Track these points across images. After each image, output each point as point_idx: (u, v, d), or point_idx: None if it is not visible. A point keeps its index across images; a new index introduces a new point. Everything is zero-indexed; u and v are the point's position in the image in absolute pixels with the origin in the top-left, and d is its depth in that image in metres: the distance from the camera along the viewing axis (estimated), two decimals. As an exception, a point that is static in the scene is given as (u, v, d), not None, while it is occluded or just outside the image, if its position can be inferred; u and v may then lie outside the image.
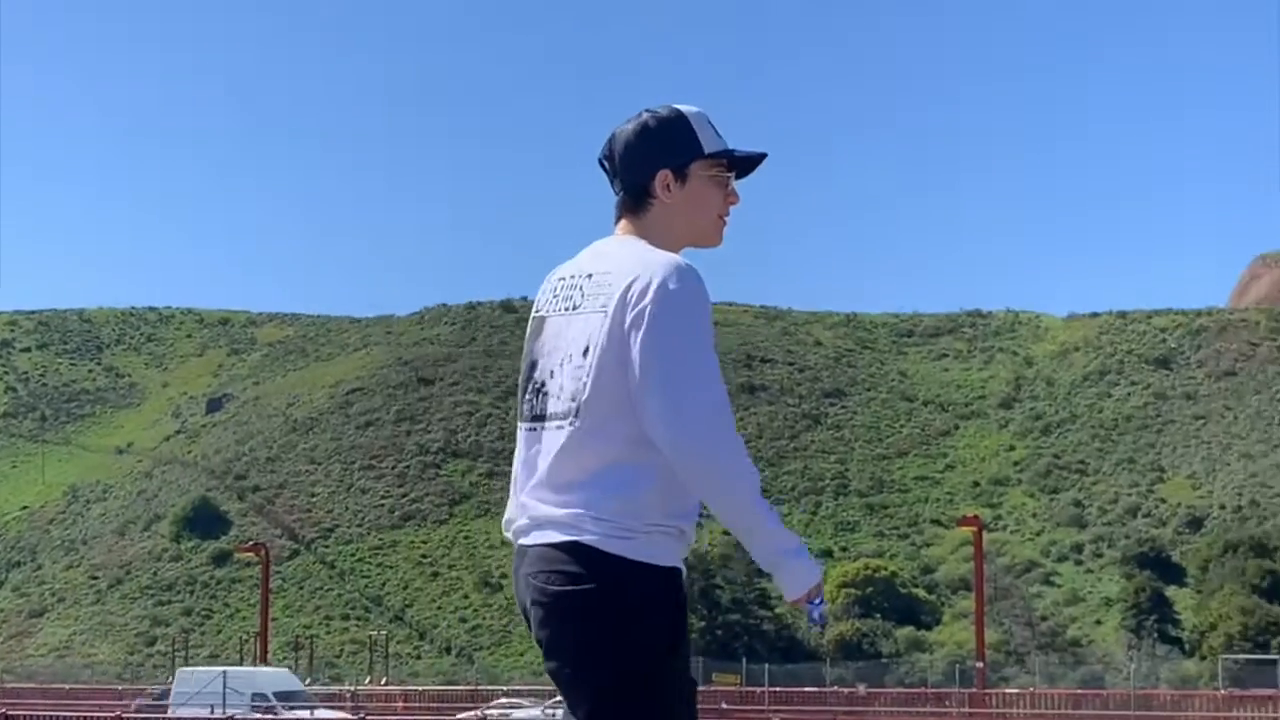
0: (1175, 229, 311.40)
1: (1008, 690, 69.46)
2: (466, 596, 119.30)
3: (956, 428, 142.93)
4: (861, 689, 67.62)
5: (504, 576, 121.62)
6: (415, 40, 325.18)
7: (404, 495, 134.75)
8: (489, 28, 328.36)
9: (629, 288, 3.68)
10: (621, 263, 3.76)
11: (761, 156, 4.00)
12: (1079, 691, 72.88)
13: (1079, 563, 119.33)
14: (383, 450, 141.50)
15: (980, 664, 57.35)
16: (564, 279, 3.93)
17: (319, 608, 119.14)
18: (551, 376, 3.83)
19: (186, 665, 65.35)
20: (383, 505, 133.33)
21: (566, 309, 3.85)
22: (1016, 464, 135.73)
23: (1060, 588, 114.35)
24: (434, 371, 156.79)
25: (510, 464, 4.09)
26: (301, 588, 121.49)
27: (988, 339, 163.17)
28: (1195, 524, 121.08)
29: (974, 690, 59.20)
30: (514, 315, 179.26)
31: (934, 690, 73.13)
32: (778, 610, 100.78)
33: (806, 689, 67.56)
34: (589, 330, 3.74)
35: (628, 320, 3.66)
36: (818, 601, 3.69)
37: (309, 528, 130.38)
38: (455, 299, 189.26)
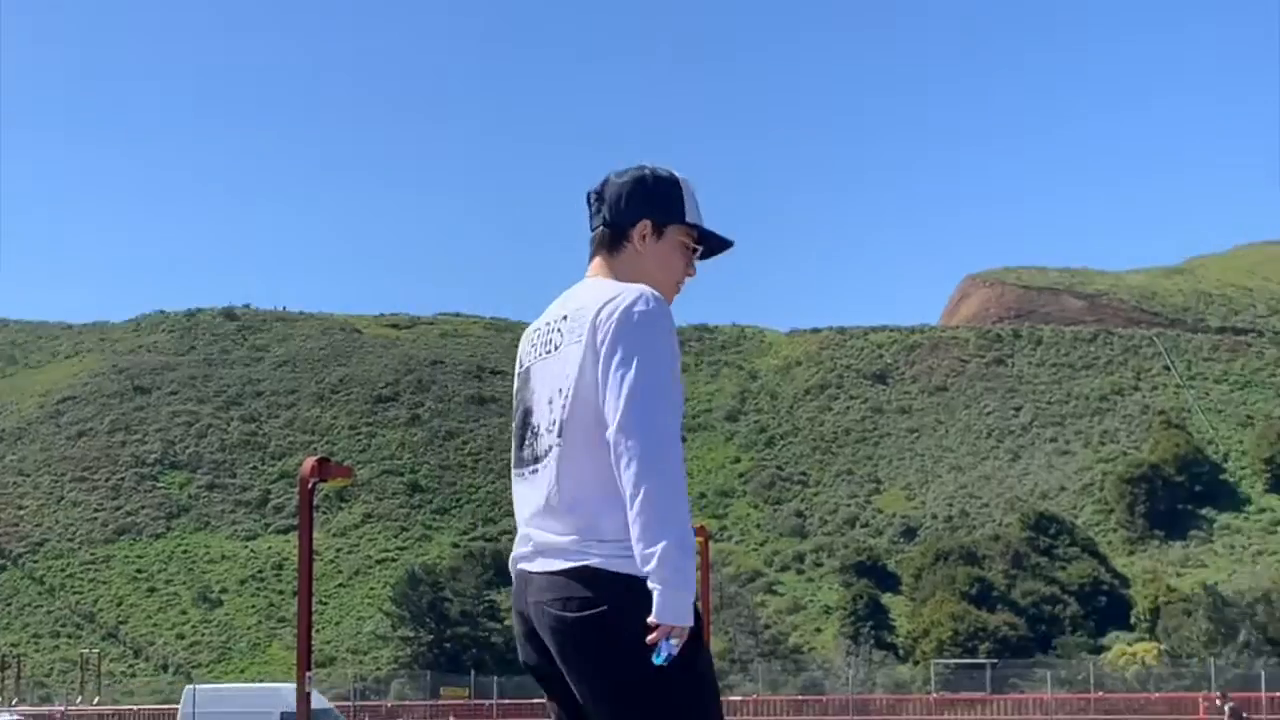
0: (891, 249, 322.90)
1: (732, 698, 70.52)
2: (184, 612, 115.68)
3: (684, 440, 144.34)
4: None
5: (224, 591, 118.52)
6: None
7: (118, 508, 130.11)
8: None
9: (598, 316, 3.90)
10: (592, 297, 3.98)
11: (728, 244, 4.26)
12: (800, 698, 74.62)
13: (800, 571, 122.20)
14: (96, 461, 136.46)
15: (707, 672, 58.21)
16: (539, 329, 4.16)
17: (27, 625, 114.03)
18: (543, 418, 4.02)
19: (190, 683, 55.62)
20: (95, 518, 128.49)
21: (546, 353, 4.06)
22: (741, 475, 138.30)
23: (783, 596, 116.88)
24: (151, 380, 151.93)
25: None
26: (9, 604, 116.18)
27: (714, 353, 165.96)
28: (909, 533, 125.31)
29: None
30: (235, 323, 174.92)
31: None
32: (506, 622, 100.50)
33: (535, 701, 67.42)
34: (573, 360, 3.94)
35: (599, 343, 3.87)
36: (671, 642, 3.69)
37: (16, 542, 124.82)
38: (174, 306, 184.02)
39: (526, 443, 4.07)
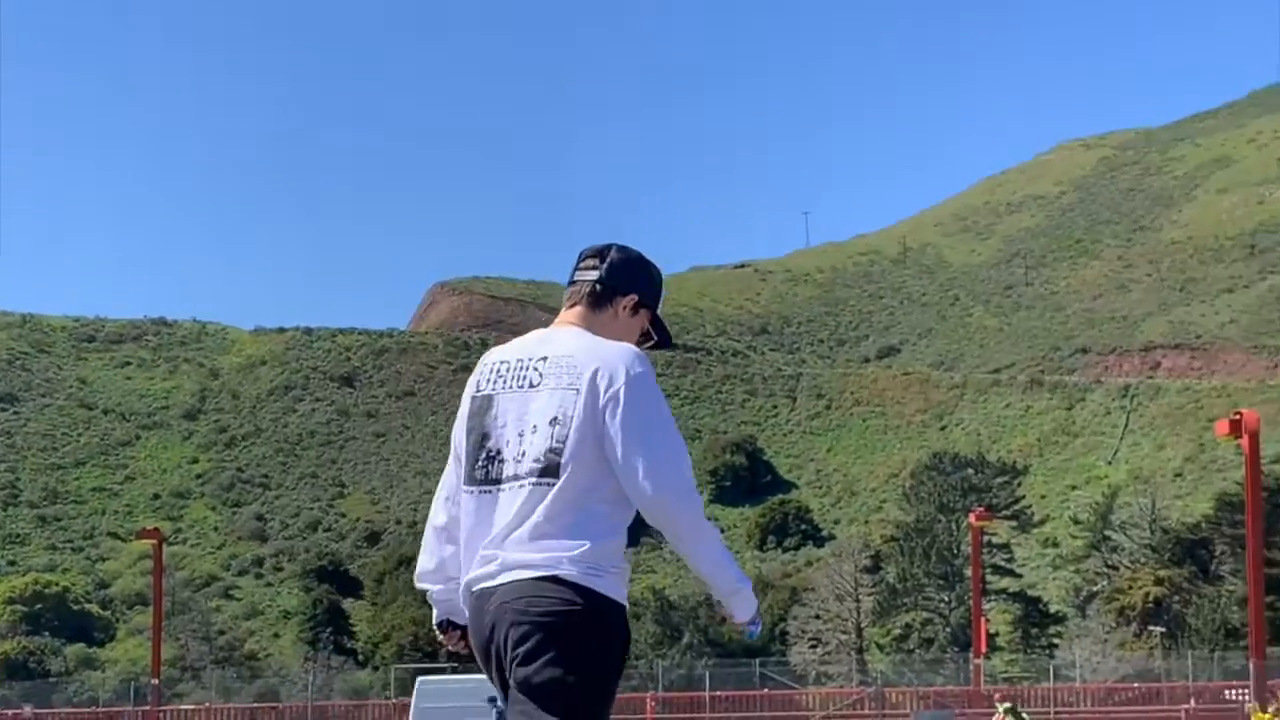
0: (364, 254, 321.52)
1: (183, 706, 68.30)
2: None
3: (138, 438, 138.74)
4: (27, 710, 64.07)
5: None
6: None
7: None
8: None
9: (597, 372, 4.46)
10: (581, 348, 4.56)
11: (669, 344, 4.95)
12: (255, 706, 72.67)
13: (260, 576, 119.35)
14: None
15: (155, 680, 56.84)
16: (507, 362, 4.67)
17: None
18: (508, 445, 4.54)
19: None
20: None
21: (520, 386, 4.58)
22: (199, 476, 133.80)
23: (240, 601, 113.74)
24: None
25: None
26: None
27: (173, 348, 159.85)
28: (373, 538, 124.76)
29: (148, 708, 58.58)
30: None
31: (105, 710, 70.73)
32: None
33: None
34: (556, 404, 4.48)
35: (602, 399, 4.43)
36: (755, 623, 4.70)
37: None
38: None
39: (480, 464, 4.58)
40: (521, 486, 4.44)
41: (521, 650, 4.32)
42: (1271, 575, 71.05)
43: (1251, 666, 28.05)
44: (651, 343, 4.89)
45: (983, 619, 62.77)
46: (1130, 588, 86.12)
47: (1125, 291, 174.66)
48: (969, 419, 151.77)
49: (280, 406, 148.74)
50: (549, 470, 4.42)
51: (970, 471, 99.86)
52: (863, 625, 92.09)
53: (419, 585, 4.85)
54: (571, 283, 4.83)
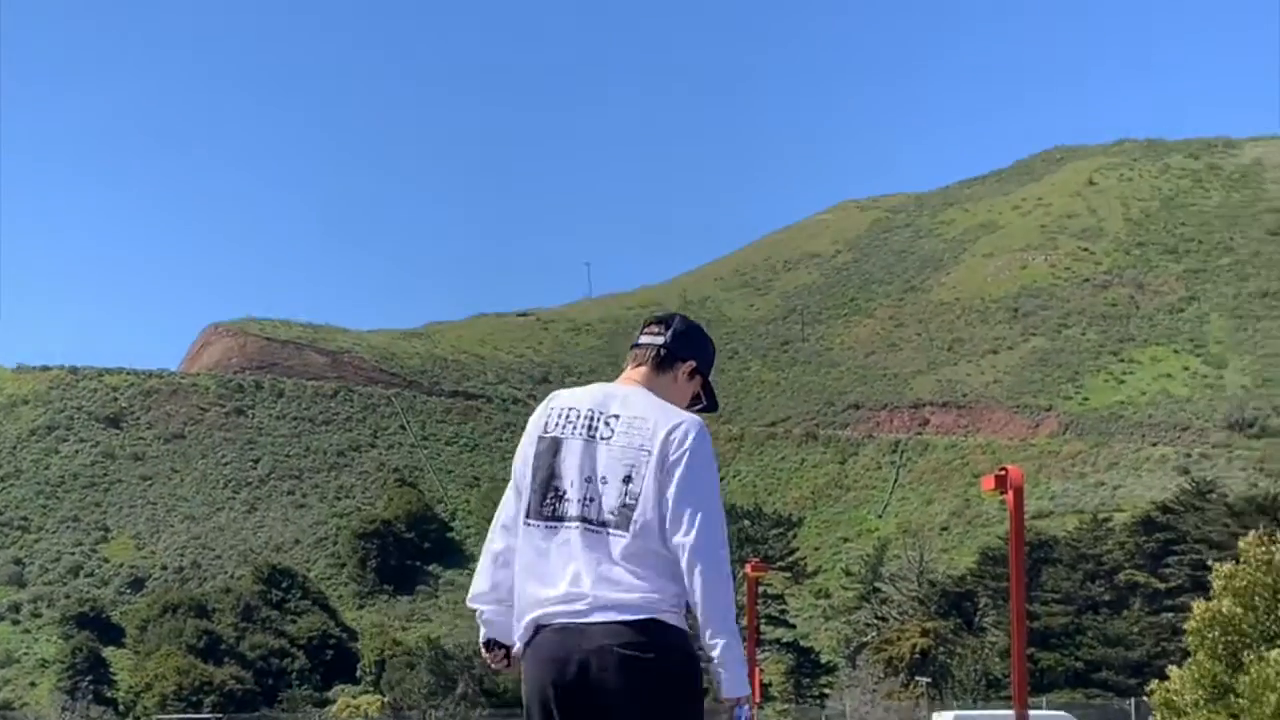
0: (131, 292, 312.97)
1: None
2: None
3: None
4: None
5: None
6: None
7: None
8: None
9: (670, 434, 5.15)
10: (653, 411, 5.25)
11: (714, 407, 5.61)
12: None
13: (16, 623, 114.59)
14: None
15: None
16: (576, 409, 5.33)
17: None
18: (573, 486, 5.18)
19: (941, 710, 49.46)
20: None
21: (590, 436, 5.24)
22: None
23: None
24: None
25: None
26: None
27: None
28: (138, 584, 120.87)
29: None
30: None
31: None
32: None
33: None
34: (629, 461, 5.16)
35: (670, 459, 5.12)
36: (746, 708, 5.11)
37: None
38: None
39: (547, 501, 5.21)
40: (594, 532, 5.10)
41: (625, 699, 4.96)
42: (1034, 628, 73.49)
43: (1014, 716, 28.93)
44: (701, 405, 5.55)
45: (757, 669, 63.48)
46: (899, 638, 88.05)
47: (896, 350, 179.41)
48: (746, 470, 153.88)
49: (42, 447, 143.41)
50: (622, 523, 5.09)
51: (747, 523, 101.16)
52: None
53: (471, 604, 5.40)
54: (636, 345, 5.53)
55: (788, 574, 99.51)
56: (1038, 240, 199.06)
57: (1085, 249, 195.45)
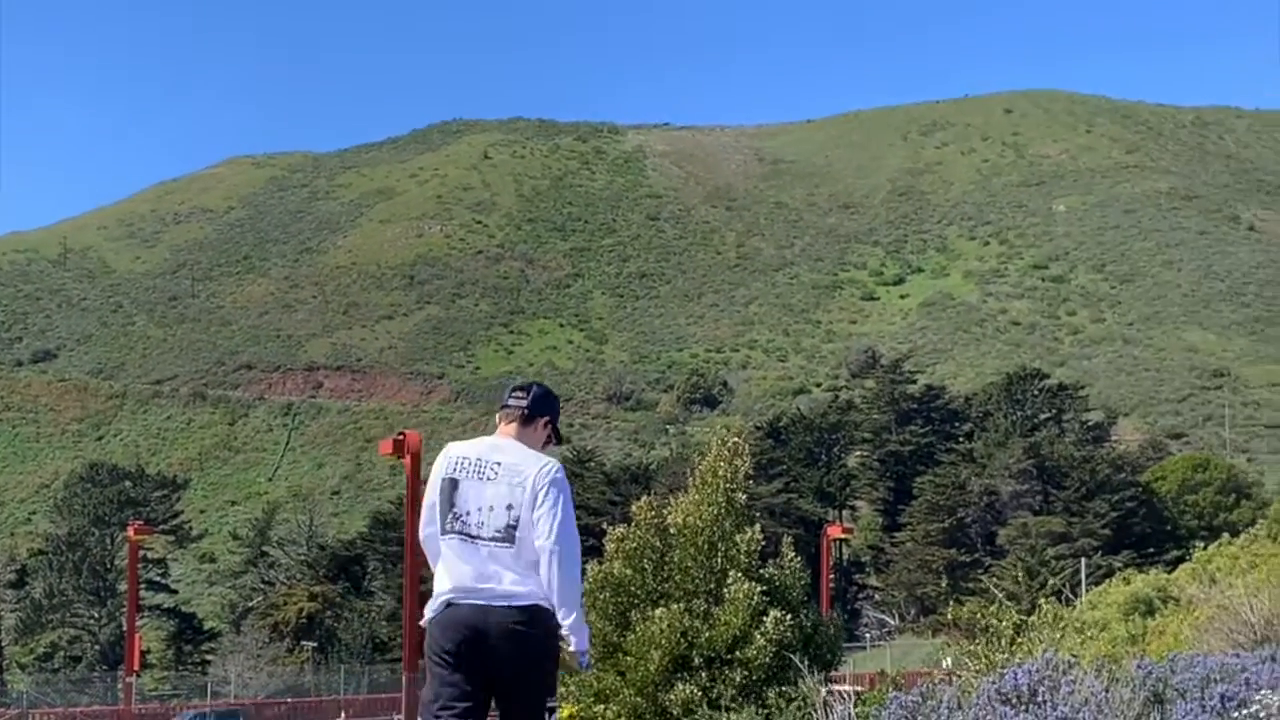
0: None
1: None
2: None
3: None
4: None
5: None
6: None
7: None
8: None
9: (538, 474, 7.45)
10: (526, 458, 7.56)
11: (559, 443, 8.08)
12: None
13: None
14: None
15: None
16: (466, 458, 7.59)
17: None
18: (468, 514, 7.44)
19: None
20: None
21: (479, 478, 7.50)
22: None
23: None
24: None
25: None
26: None
27: None
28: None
29: None
30: None
31: None
32: None
33: None
34: (508, 495, 7.44)
35: (538, 491, 7.43)
36: (585, 657, 7.57)
37: None
38: None
39: (449, 521, 7.47)
40: (500, 545, 7.38)
41: (517, 665, 7.34)
42: (425, 591, 74.56)
43: (404, 679, 29.11)
44: (553, 443, 7.89)
45: (136, 636, 61.04)
46: (285, 603, 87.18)
47: (291, 311, 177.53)
48: (128, 429, 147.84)
49: None
50: (509, 538, 7.38)
51: (128, 484, 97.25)
52: (3, 644, 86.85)
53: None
54: (505, 406, 7.78)
55: (171, 538, 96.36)
56: (434, 210, 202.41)
57: (479, 221, 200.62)
